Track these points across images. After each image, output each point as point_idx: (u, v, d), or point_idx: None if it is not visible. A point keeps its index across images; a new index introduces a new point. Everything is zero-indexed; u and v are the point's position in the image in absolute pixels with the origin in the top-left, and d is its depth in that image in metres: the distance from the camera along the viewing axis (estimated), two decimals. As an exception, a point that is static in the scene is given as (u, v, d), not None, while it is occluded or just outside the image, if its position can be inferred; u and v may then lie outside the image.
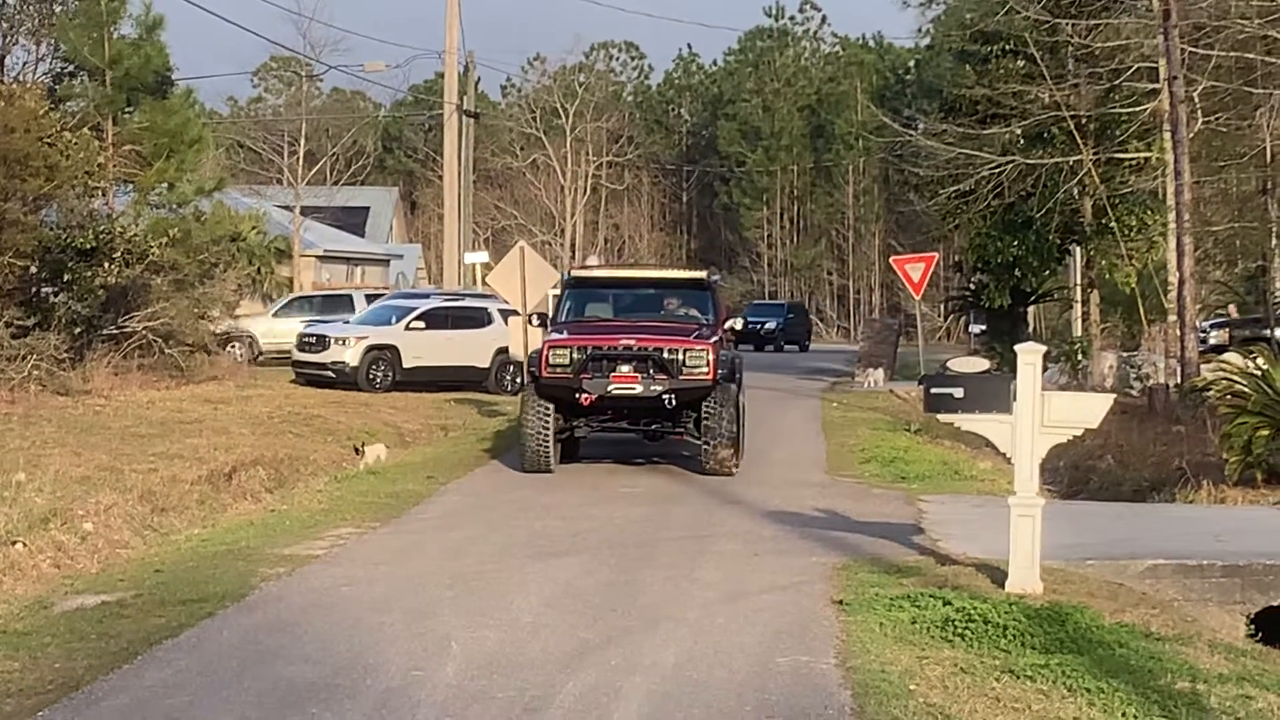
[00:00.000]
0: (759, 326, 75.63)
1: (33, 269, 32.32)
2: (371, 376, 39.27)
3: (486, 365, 40.52)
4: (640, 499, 22.15)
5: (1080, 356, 43.58)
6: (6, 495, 18.29)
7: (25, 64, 40.66)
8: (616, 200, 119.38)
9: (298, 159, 60.19)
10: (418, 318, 40.59)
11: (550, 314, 27.59)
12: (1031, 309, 52.76)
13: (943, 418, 16.22)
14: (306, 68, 68.73)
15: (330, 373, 39.30)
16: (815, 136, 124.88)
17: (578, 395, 24.26)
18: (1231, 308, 51.57)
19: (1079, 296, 51.38)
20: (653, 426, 25.50)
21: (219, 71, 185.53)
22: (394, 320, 40.93)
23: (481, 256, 54.69)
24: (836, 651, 12.73)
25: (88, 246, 33.70)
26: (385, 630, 13.34)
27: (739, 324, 28.07)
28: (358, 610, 14.21)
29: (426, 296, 45.62)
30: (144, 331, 34.99)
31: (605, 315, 26.59)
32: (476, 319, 40.84)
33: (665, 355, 24.35)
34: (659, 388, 24.20)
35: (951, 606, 14.06)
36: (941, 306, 76.40)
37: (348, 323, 43.47)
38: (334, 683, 11.50)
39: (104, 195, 37.64)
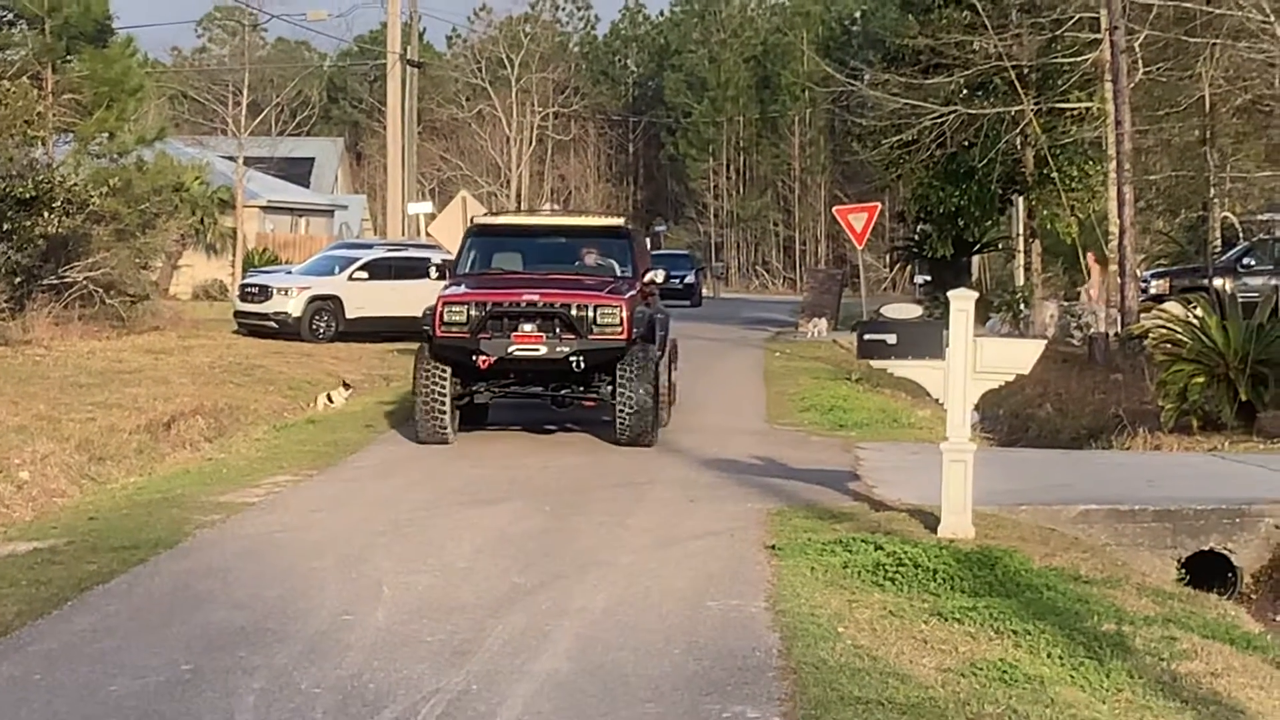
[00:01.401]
0: (673, 281, 69.46)
1: (-30, 219, 32.16)
2: (314, 327, 39.20)
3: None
4: (577, 448, 22.18)
5: (1021, 306, 43.80)
6: (-59, 444, 18.23)
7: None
8: (563, 151, 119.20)
9: (241, 109, 59.77)
10: (360, 268, 40.50)
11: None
12: (975, 259, 52.97)
13: (876, 364, 16.29)
14: (250, 17, 68.37)
15: (273, 323, 39.21)
16: (761, 88, 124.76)
17: (474, 358, 21.51)
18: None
19: (1021, 247, 51.58)
20: (561, 392, 22.66)
21: (162, 21, 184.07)
22: (337, 270, 40.83)
23: (426, 207, 54.48)
24: (767, 595, 12.79)
25: (27, 196, 33.50)
26: (317, 576, 13.36)
27: (660, 277, 25.01)
28: (291, 556, 14.22)
29: (370, 247, 45.48)
30: (85, 281, 34.86)
31: (513, 268, 24.02)
32: (419, 269, 40.73)
33: (573, 312, 21.55)
34: (565, 349, 21.48)
35: (883, 551, 14.14)
36: (887, 257, 76.52)
37: (290, 273, 43.35)
38: (264, 626, 11.51)
39: (43, 144, 37.39)
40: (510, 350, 21.53)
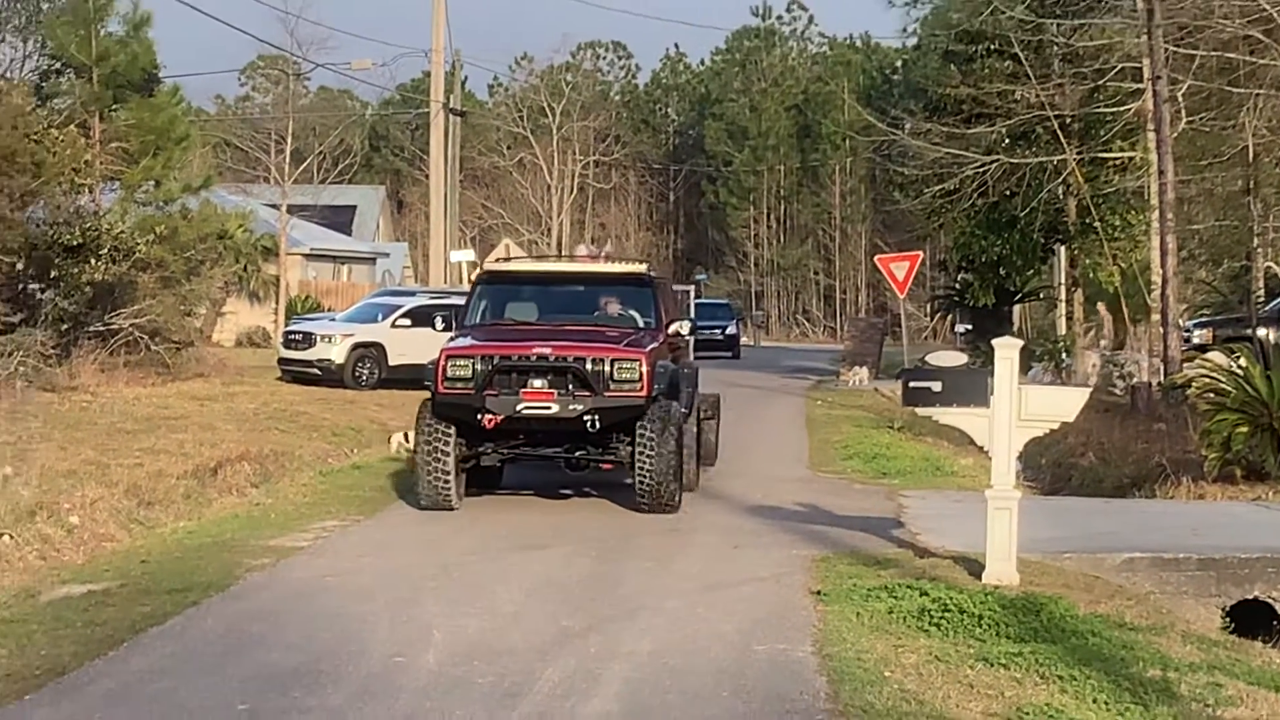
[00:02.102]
0: (714, 331, 63.74)
1: (19, 265, 32.40)
2: (357, 374, 39.38)
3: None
4: (602, 509, 22.27)
5: (1064, 355, 43.79)
6: (-7, 488, 18.40)
7: (12, 61, 40.67)
8: (604, 199, 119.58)
9: (284, 157, 60.23)
10: (403, 315, 40.66)
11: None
12: (1016, 308, 52.99)
13: (921, 411, 16.41)
14: (294, 66, 68.77)
15: (316, 369, 39.41)
16: (802, 136, 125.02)
17: (480, 416, 19.69)
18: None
19: (1063, 296, 51.60)
20: (575, 454, 20.75)
21: (206, 69, 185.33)
22: (380, 318, 41.02)
23: (468, 255, 54.83)
24: (814, 640, 12.89)
25: (74, 243, 33.77)
26: (368, 619, 13.49)
27: (686, 328, 22.85)
28: (341, 599, 14.37)
29: (412, 294, 45.70)
30: (130, 328, 35.07)
31: (527, 318, 22.13)
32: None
33: (588, 367, 19.78)
34: (579, 407, 19.67)
35: (928, 597, 14.22)
36: (927, 306, 76.56)
37: (334, 320, 43.59)
38: (317, 669, 11.64)
39: (90, 192, 37.67)
40: (519, 409, 19.69)
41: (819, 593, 14.84)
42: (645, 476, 19.83)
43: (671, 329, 22.09)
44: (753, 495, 21.99)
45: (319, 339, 40.11)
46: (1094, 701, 11.32)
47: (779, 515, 20.19)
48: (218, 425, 27.53)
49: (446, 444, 19.87)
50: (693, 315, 28.30)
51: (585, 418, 19.69)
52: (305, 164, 63.29)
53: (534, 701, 10.86)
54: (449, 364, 19.97)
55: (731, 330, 67.78)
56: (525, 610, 14.03)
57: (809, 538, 18.29)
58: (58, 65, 39.89)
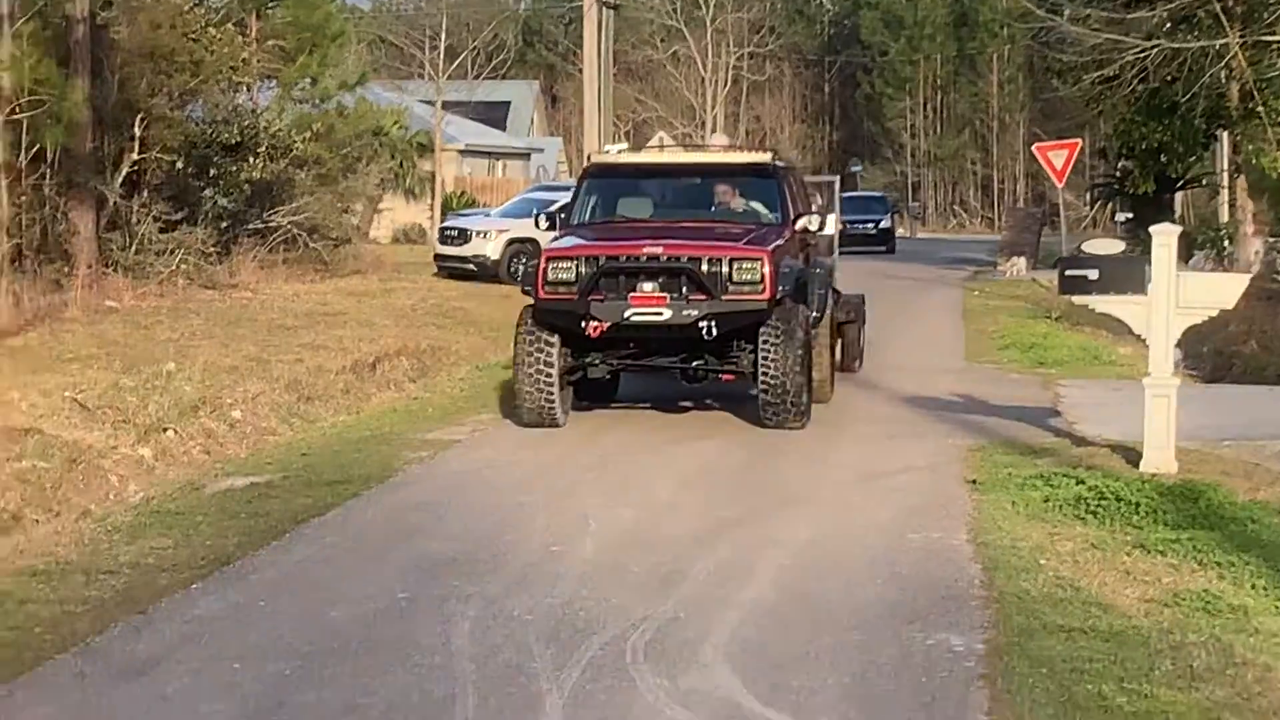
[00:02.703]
0: (867, 225, 60.94)
1: (179, 164, 32.77)
2: (512, 269, 39.51)
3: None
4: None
5: (1226, 243, 43.17)
6: (157, 384, 18.70)
7: (170, -39, 41.04)
8: (758, 92, 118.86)
9: (438, 53, 60.37)
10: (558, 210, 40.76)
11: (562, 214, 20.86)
12: (1179, 195, 52.29)
13: (1077, 299, 16.25)
14: (445, -37, 68.82)
15: (472, 265, 39.64)
16: (959, 24, 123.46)
17: (584, 324, 17.75)
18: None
19: (1225, 183, 50.80)
20: (692, 365, 18.75)
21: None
22: (534, 213, 41.13)
23: (621, 148, 54.75)
24: (969, 528, 12.89)
25: (233, 142, 34.13)
26: (525, 509, 13.65)
27: (817, 223, 20.41)
28: (498, 491, 14.55)
29: (566, 189, 45.81)
30: (288, 226, 35.44)
31: (639, 214, 20.03)
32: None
33: (704, 268, 17.75)
34: (694, 312, 17.60)
35: (1084, 485, 14.16)
36: (1087, 195, 75.60)
37: (488, 216, 43.79)
38: (475, 557, 11.81)
39: (248, 90, 38.03)
40: (627, 315, 17.66)
41: (974, 481, 14.82)
42: (769, 388, 17.73)
43: (799, 224, 19.75)
44: (908, 386, 21.91)
45: (474, 235, 40.33)
46: (1252, 587, 11.23)
47: (934, 406, 20.13)
48: (375, 321, 27.80)
49: (550, 355, 17.94)
50: (839, 208, 26.24)
51: (701, 324, 17.55)
52: (459, 60, 63.42)
53: (690, 588, 10.95)
54: (549, 266, 17.98)
55: (885, 224, 65.53)
56: (680, 501, 14.14)
57: (965, 427, 18.25)
58: (216, -35, 40.21)
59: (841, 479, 15.19)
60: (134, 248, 29.60)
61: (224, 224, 34.16)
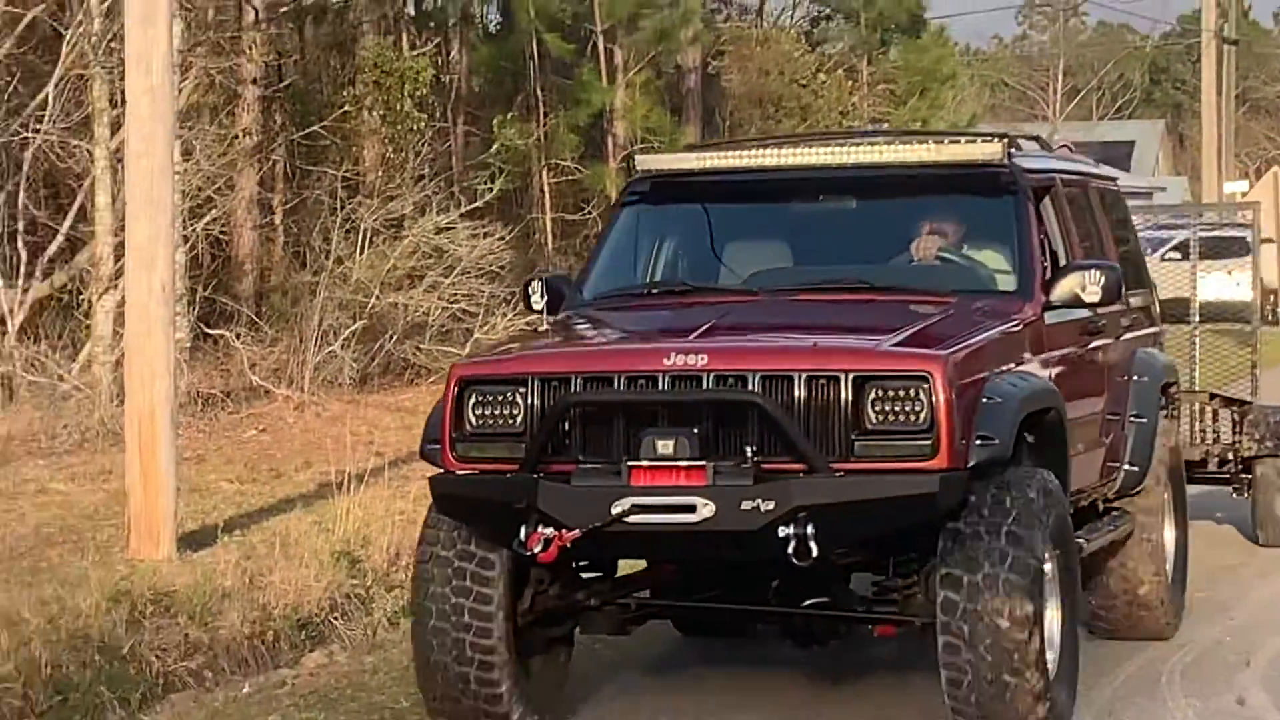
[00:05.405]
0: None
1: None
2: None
3: (1247, 298, 39.55)
4: None
5: None
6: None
7: (783, 9, 42.29)
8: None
9: (1056, 94, 60.24)
10: (1172, 248, 40.06)
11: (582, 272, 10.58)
12: None
13: None
14: (1067, 2, 68.60)
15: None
16: None
17: (523, 533, 8.14)
18: None
19: None
20: (792, 609, 9.00)
21: (977, 9, 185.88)
22: (1149, 251, 40.50)
23: (1240, 186, 53.50)
24: None
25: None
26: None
27: (1100, 286, 9.15)
28: None
29: (1183, 227, 44.96)
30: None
31: (714, 278, 10.13)
32: (1234, 249, 40.02)
33: (788, 397, 8.06)
34: (766, 503, 7.90)
35: None
36: None
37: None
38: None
39: (859, 134, 38.84)
40: (619, 510, 8.05)
41: None
42: (955, 679, 8.12)
43: (1061, 289, 9.29)
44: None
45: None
46: None
47: None
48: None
49: (485, 593, 8.57)
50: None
51: (782, 531, 7.90)
52: (1077, 100, 63.15)
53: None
54: (467, 400, 8.49)
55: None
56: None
57: None
58: (827, 11, 41.24)
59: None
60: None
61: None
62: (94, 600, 10.21)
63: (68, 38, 20.58)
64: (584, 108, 28.18)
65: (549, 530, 8.08)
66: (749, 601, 9.04)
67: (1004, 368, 8.58)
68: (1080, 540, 9.18)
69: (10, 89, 21.15)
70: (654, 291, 9.96)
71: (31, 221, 21.23)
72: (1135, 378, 10.74)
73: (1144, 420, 10.58)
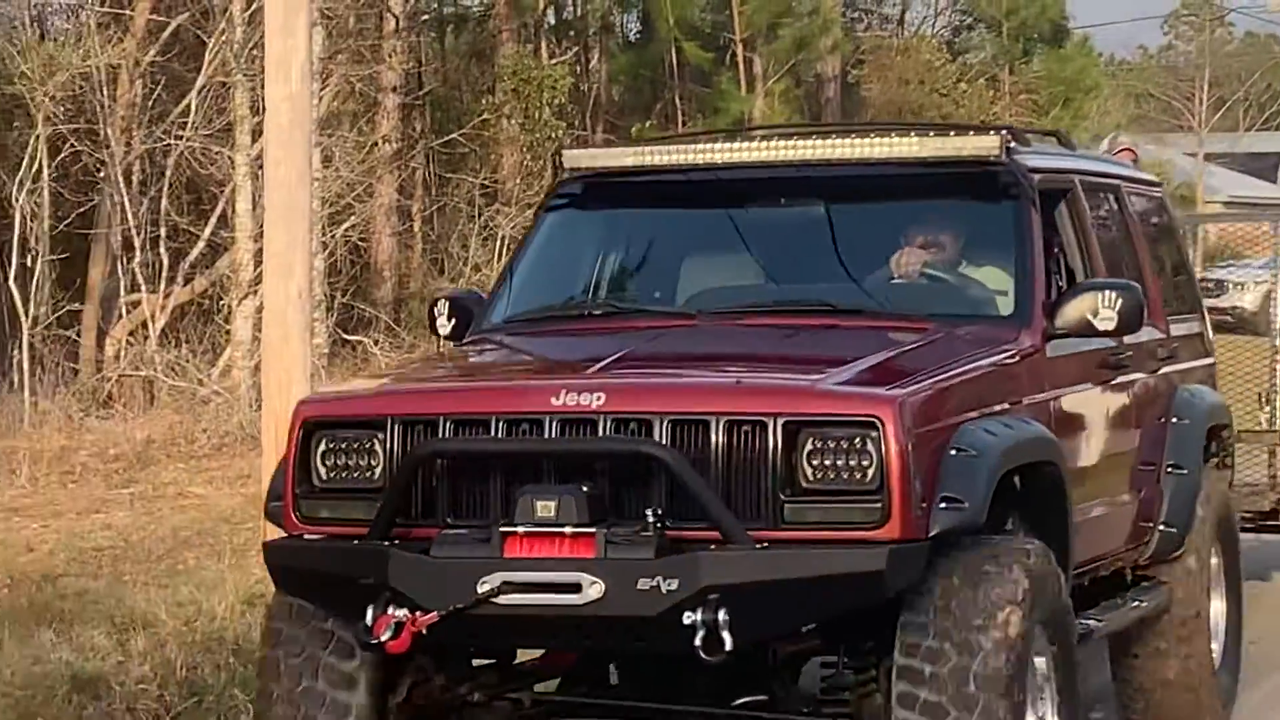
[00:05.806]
0: None
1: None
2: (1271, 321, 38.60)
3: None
4: None
5: None
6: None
7: (924, 19, 42.07)
8: None
9: (1201, 105, 59.49)
10: (1318, 262, 39.60)
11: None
12: None
13: None
14: (1214, 11, 67.76)
15: (1229, 317, 38.82)
16: None
17: (371, 615, 6.29)
18: None
19: None
20: (722, 710, 6.94)
21: (1120, 19, 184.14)
22: (1289, 266, 40.08)
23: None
24: None
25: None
26: None
27: (1115, 312, 7.31)
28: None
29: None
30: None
31: (661, 303, 8.09)
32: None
33: (702, 446, 6.24)
34: (668, 581, 6.07)
35: None
36: None
37: (1249, 267, 42.84)
38: None
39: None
40: (487, 588, 6.19)
41: None
42: None
43: (1065, 314, 7.47)
44: None
45: (1230, 286, 39.56)
46: None
47: None
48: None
49: (325, 677, 6.72)
50: None
51: (688, 617, 6.05)
52: (1222, 111, 62.35)
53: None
54: (313, 444, 6.69)
55: None
56: None
57: None
58: (969, 20, 41.01)
59: None
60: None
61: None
62: (229, 603, 10.32)
63: (211, 45, 20.80)
64: (723, 116, 28.20)
65: (401, 612, 6.29)
66: (673, 697, 6.98)
67: (985, 410, 6.82)
68: (1091, 622, 7.61)
69: (154, 96, 21.39)
70: (575, 314, 8.13)
71: (173, 227, 21.45)
72: (1174, 420, 8.75)
73: (1184, 471, 8.61)
